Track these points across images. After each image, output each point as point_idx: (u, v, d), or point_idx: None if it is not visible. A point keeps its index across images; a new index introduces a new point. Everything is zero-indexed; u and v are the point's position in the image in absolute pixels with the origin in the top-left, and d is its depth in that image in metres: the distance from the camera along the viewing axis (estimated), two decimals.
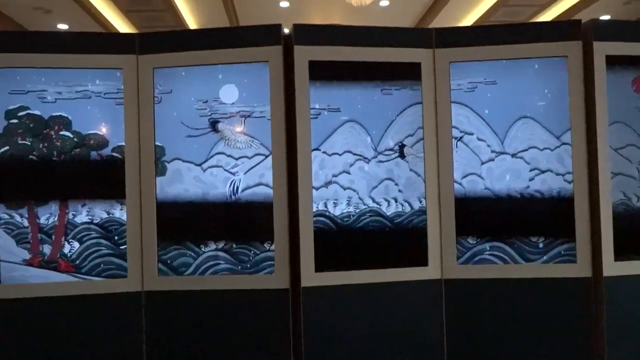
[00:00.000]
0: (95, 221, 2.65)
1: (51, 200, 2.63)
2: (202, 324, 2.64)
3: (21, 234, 2.62)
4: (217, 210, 2.66)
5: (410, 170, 2.71)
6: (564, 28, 2.68)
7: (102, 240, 2.65)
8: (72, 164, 2.65)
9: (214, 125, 2.58)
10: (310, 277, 2.59)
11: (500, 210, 2.70)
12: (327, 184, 2.66)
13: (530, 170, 2.69)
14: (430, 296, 2.69)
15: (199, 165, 2.67)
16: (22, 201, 2.61)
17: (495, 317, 2.69)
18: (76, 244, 2.64)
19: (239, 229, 2.67)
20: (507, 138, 2.69)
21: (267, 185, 2.64)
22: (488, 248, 2.70)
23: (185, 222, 2.68)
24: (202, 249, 2.66)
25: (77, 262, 2.63)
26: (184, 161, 2.67)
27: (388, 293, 2.65)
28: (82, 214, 2.64)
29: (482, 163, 2.70)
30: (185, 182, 2.67)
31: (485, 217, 2.71)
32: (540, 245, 2.68)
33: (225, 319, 2.64)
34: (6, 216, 2.61)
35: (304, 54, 2.64)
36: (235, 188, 2.65)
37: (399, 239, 2.69)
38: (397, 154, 2.67)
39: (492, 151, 2.69)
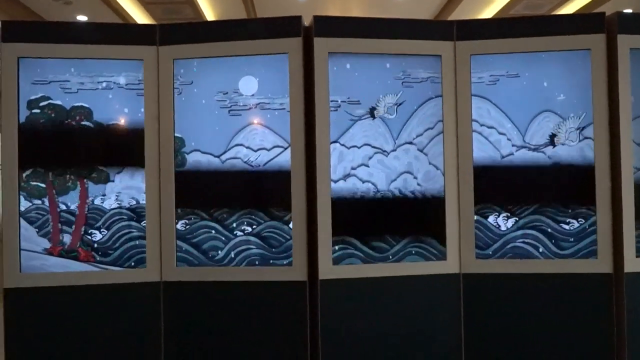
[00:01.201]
0: (124, 206, 2.68)
1: (72, 190, 2.66)
2: (219, 315, 2.66)
3: (47, 221, 2.64)
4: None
5: (430, 163, 2.69)
6: (587, 21, 2.64)
7: (133, 223, 2.68)
8: (92, 151, 2.69)
9: (372, 111, 2.58)
10: (328, 270, 2.59)
11: (521, 182, 2.68)
12: (346, 176, 2.65)
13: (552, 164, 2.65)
14: (448, 290, 2.67)
15: (218, 156, 2.68)
16: (43, 189, 2.65)
17: (513, 313, 2.66)
18: (105, 229, 2.67)
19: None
20: (529, 132, 2.66)
21: None
22: (520, 235, 2.67)
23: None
24: (233, 234, 2.67)
25: (108, 243, 2.66)
26: (203, 152, 2.68)
27: (406, 287, 2.64)
28: (110, 198, 2.67)
29: (503, 157, 2.67)
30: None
31: (506, 188, 2.68)
32: (574, 226, 2.63)
33: (242, 310, 2.65)
34: (38, 201, 2.64)
35: (323, 46, 2.62)
36: None
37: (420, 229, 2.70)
38: (539, 147, 2.62)
39: (513, 145, 2.66)
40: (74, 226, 2.66)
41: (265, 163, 2.66)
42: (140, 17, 7.70)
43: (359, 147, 2.66)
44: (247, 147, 2.67)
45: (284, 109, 2.66)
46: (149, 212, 2.67)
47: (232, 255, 2.67)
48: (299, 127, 2.63)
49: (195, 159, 2.68)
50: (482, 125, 2.68)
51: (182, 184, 2.68)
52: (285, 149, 2.65)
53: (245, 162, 2.67)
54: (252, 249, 2.67)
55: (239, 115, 2.68)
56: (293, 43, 2.64)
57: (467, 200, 2.66)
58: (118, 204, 2.67)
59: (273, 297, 2.64)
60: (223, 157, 2.68)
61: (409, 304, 2.66)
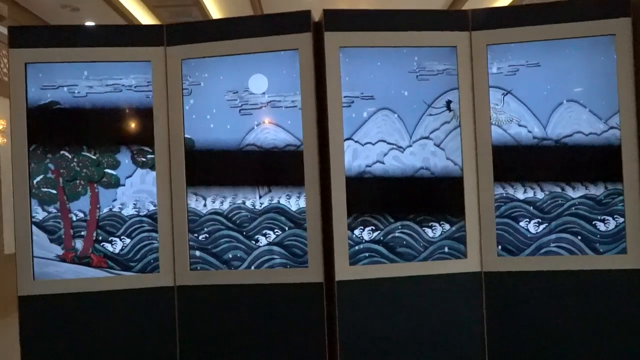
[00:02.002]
0: (142, 213, 2.63)
1: (82, 195, 2.62)
2: (232, 319, 2.59)
3: (61, 228, 2.60)
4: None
5: (447, 159, 2.60)
6: (611, 5, 2.52)
7: (154, 234, 2.63)
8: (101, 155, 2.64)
9: (448, 105, 2.50)
10: (345, 271, 2.51)
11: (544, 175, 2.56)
12: (361, 174, 2.57)
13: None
14: (469, 290, 2.58)
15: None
16: (55, 195, 2.61)
17: (539, 313, 2.55)
18: (127, 238, 2.62)
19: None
20: (550, 123, 2.55)
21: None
22: (554, 239, 2.57)
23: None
24: (256, 244, 2.60)
25: (130, 255, 2.61)
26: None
27: (424, 287, 2.56)
28: (128, 206, 2.62)
29: (523, 149, 2.57)
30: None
31: (528, 183, 2.57)
32: (609, 230, 2.51)
33: (257, 314, 2.58)
34: (54, 210, 2.60)
35: (334, 41, 2.55)
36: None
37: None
38: None
39: (534, 137, 2.56)
40: (85, 232, 2.61)
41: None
42: (148, 21, 7.70)
43: (373, 144, 2.58)
44: (259, 147, 2.60)
45: (295, 106, 2.59)
46: (160, 216, 2.62)
47: (255, 266, 2.60)
48: (311, 125, 2.56)
49: (206, 159, 2.63)
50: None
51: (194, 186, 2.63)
52: (298, 147, 2.57)
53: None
54: (275, 259, 2.60)
55: (250, 115, 2.62)
56: (303, 39, 2.57)
57: (487, 196, 2.57)
58: (136, 211, 2.62)
59: (289, 300, 2.57)
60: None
61: (429, 304, 2.56)
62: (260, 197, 2.60)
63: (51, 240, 2.59)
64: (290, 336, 2.57)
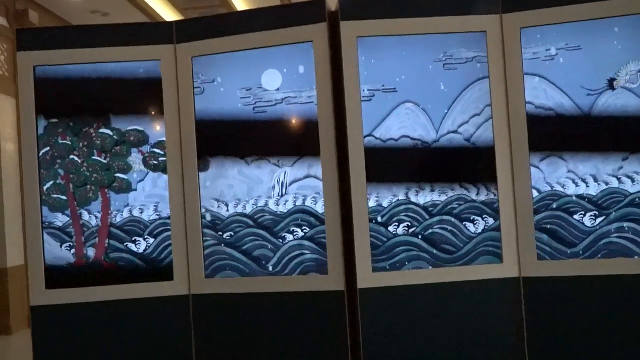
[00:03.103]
0: (163, 215, 2.53)
1: (93, 200, 2.53)
2: (249, 329, 2.46)
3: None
4: None
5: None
6: None
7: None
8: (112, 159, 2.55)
9: (611, 82, 2.30)
10: (367, 278, 2.33)
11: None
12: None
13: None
14: (505, 297, 2.35)
15: (243, 158, 2.47)
16: (65, 202, 2.52)
17: (586, 323, 2.30)
18: (151, 240, 2.52)
19: None
20: (594, 111, 2.29)
21: (316, 177, 2.40)
22: (614, 230, 2.28)
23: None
24: (283, 241, 2.45)
25: (154, 255, 2.52)
26: (226, 155, 2.49)
27: (455, 295, 2.34)
28: (149, 209, 2.53)
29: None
30: (230, 177, 2.49)
31: None
32: None
33: (275, 323, 2.44)
34: (64, 219, 2.53)
35: (352, 30, 2.37)
36: (282, 183, 2.44)
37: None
38: None
39: (577, 127, 2.30)
40: (97, 238, 2.52)
41: (293, 163, 2.44)
42: None
43: (396, 140, 2.38)
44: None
45: (312, 102, 2.42)
46: (174, 222, 2.51)
47: (284, 263, 2.45)
48: (328, 122, 2.38)
49: (219, 162, 2.50)
50: (538, 107, 2.34)
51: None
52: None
53: (271, 163, 2.46)
54: (306, 254, 2.43)
55: (264, 112, 2.47)
56: (317, 29, 2.40)
57: (524, 195, 2.32)
58: (157, 215, 2.51)
59: (310, 308, 2.41)
60: (248, 159, 2.47)
61: (460, 314, 2.35)
62: (280, 195, 2.44)
63: (63, 248, 2.51)
64: (310, 347, 2.41)
